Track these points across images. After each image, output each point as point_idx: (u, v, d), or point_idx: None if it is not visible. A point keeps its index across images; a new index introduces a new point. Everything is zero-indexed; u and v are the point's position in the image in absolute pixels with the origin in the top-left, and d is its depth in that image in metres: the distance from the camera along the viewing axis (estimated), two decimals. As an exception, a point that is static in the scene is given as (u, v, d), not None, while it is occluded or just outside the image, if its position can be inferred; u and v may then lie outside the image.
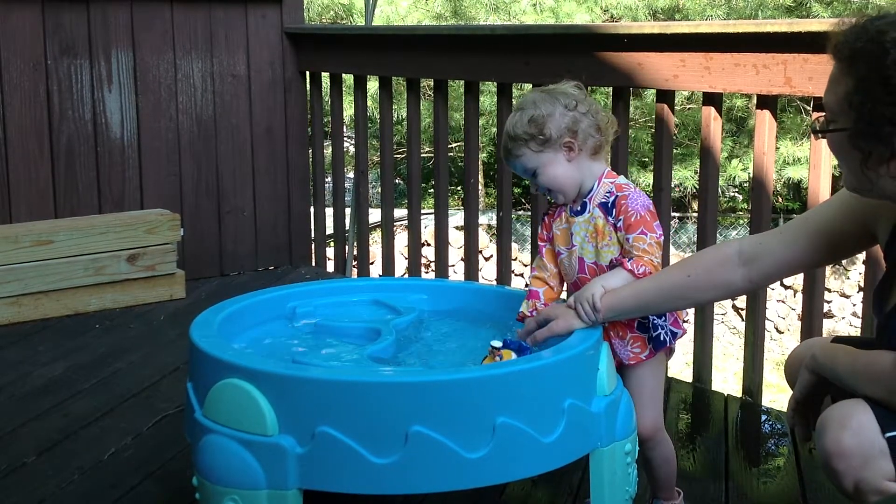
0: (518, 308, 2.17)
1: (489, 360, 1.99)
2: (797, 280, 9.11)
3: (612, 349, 2.05)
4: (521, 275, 10.06)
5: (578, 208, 2.06)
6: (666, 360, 2.13)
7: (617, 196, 2.01)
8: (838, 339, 1.90)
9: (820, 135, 1.70)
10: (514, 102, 4.41)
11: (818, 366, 1.78)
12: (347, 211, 4.53)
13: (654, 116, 3.11)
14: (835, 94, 1.64)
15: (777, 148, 9.66)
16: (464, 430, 1.75)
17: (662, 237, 2.02)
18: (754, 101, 3.17)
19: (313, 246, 4.66)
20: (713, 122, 3.00)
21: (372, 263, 5.66)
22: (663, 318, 2.04)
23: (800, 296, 4.00)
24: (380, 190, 4.35)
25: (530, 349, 2.01)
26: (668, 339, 2.05)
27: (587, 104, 2.04)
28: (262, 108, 4.38)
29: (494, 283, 3.95)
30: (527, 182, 2.15)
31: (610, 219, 2.01)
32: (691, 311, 3.09)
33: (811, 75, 2.62)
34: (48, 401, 2.94)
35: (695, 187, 10.83)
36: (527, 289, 2.17)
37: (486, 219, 10.50)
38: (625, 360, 2.05)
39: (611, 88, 3.21)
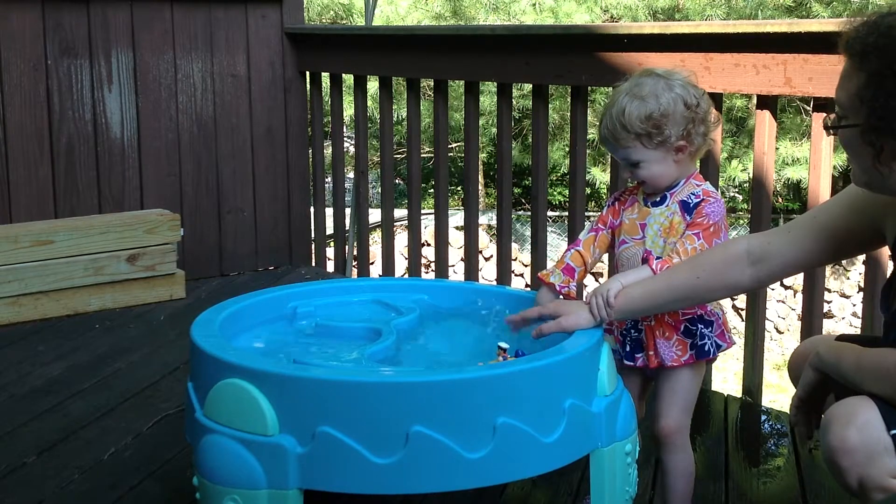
0: (514, 308, 2.15)
1: (496, 361, 1.99)
2: (797, 280, 9.11)
3: (654, 349, 2.02)
4: (521, 275, 10.06)
5: (657, 199, 2.02)
6: (704, 368, 2.09)
7: (703, 199, 1.98)
8: (842, 337, 1.90)
9: (832, 131, 1.70)
10: (513, 103, 4.42)
11: (822, 364, 1.77)
12: (347, 211, 4.53)
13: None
14: (846, 90, 1.64)
15: (776, 148, 9.66)
16: (464, 431, 1.75)
17: None
18: (754, 101, 3.17)
19: (313, 246, 4.65)
20: (713, 122, 2.99)
21: (372, 263, 5.66)
22: (710, 328, 2.02)
23: (800, 296, 4.00)
24: (380, 190, 4.35)
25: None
26: (712, 350, 2.02)
27: (706, 102, 1.98)
28: (262, 109, 4.38)
29: (494, 283, 3.95)
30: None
31: (688, 218, 1.98)
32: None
33: (811, 75, 2.61)
34: (48, 401, 2.94)
35: (694, 187, 10.81)
36: (564, 259, 2.10)
37: (486, 219, 10.49)
38: (666, 361, 2.02)
39: (611, 88, 3.19)
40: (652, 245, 2.01)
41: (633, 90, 1.96)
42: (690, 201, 1.99)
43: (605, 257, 2.41)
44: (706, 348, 2.02)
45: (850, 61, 1.63)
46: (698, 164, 2.27)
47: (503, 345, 2.01)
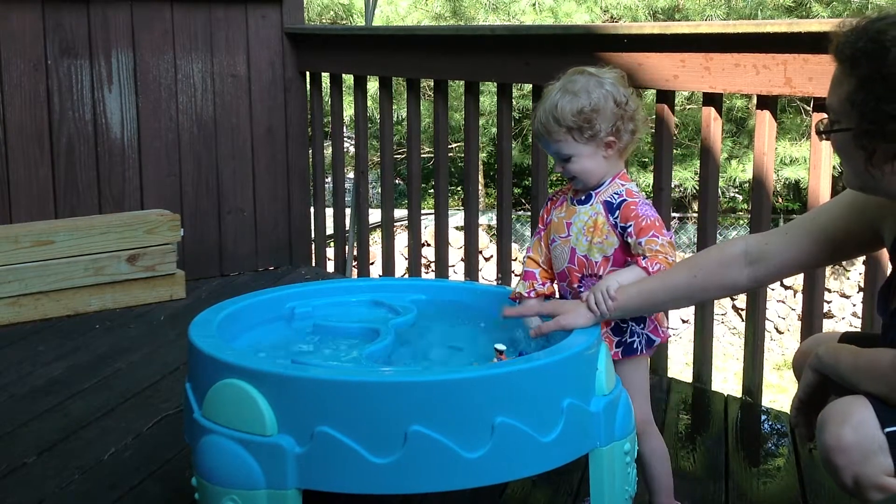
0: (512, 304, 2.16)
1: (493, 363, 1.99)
2: (797, 280, 9.10)
3: None
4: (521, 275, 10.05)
5: (583, 198, 2.06)
6: (647, 359, 2.12)
7: (625, 200, 2.00)
8: (845, 336, 1.90)
9: (824, 136, 1.71)
10: (513, 103, 4.42)
11: (821, 365, 1.78)
12: (347, 211, 4.53)
13: (654, 117, 3.11)
14: (837, 95, 1.65)
15: (776, 148, 9.66)
16: (463, 430, 1.75)
17: (673, 239, 2.02)
18: (754, 101, 3.17)
19: (313, 246, 4.66)
20: (713, 123, 3.00)
21: (372, 263, 5.66)
22: (642, 325, 2.04)
23: (800, 296, 4.00)
24: (380, 190, 4.35)
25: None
26: (640, 348, 2.05)
27: (634, 101, 2.03)
28: (262, 109, 4.39)
29: (494, 283, 3.95)
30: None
31: (611, 218, 2.01)
32: (691, 310, 3.10)
33: (811, 75, 2.62)
34: (48, 401, 2.94)
35: (695, 187, 10.83)
36: (522, 269, 2.15)
37: (486, 219, 10.49)
38: None
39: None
40: (576, 242, 2.04)
41: (565, 86, 2.01)
42: (613, 201, 2.02)
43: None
44: (634, 346, 2.04)
45: (841, 66, 1.65)
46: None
47: (500, 346, 2.01)
